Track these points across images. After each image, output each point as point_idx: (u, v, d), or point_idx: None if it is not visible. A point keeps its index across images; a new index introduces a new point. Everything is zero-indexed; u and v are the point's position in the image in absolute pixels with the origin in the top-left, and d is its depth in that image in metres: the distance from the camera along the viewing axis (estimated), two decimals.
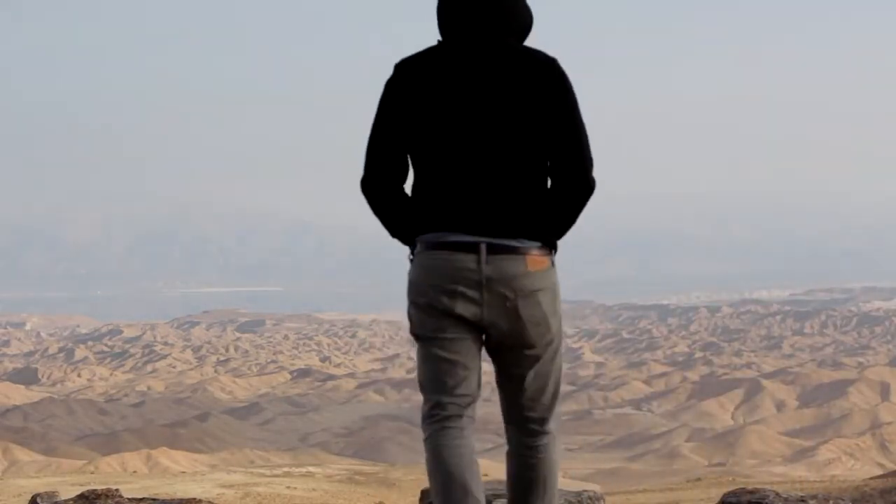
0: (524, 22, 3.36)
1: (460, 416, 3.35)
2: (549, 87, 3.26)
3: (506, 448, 3.55)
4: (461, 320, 3.29)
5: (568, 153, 3.28)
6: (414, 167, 3.36)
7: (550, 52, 3.39)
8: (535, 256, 3.31)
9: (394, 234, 3.46)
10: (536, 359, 3.38)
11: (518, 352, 3.36)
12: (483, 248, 3.25)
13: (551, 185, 3.35)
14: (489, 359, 3.52)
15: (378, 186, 3.36)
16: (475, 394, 3.39)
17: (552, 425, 3.51)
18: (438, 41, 3.36)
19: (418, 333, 3.37)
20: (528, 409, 3.44)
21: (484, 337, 3.37)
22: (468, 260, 3.25)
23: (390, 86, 3.32)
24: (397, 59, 3.35)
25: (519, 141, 3.25)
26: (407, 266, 3.41)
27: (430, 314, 3.31)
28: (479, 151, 3.25)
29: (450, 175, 3.27)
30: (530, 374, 3.39)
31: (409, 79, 3.29)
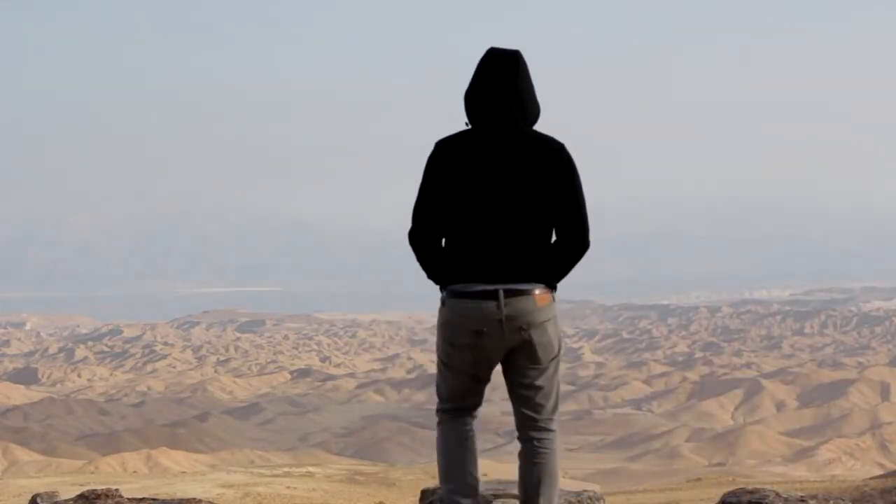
0: (535, 113, 4.44)
1: (469, 415, 4.50)
2: (557, 169, 4.31)
3: (511, 447, 4.36)
4: (483, 351, 4.34)
5: (571, 222, 4.32)
6: (447, 227, 4.35)
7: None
8: (540, 295, 4.34)
9: (431, 277, 4.45)
10: (543, 371, 4.42)
11: (530, 368, 4.40)
12: (501, 293, 4.26)
13: (555, 242, 4.38)
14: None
15: (423, 240, 4.39)
16: (481, 403, 4.52)
17: (555, 424, 4.53)
18: (466, 124, 4.41)
19: (446, 362, 4.42)
20: (536, 412, 4.47)
21: (501, 360, 4.41)
22: (491, 305, 4.26)
23: (432, 160, 4.35)
24: (437, 137, 4.40)
25: (530, 210, 4.28)
26: (438, 305, 4.41)
27: (461, 350, 4.35)
28: (498, 218, 4.26)
29: (475, 236, 4.27)
30: (539, 385, 4.43)
31: (446, 156, 4.32)
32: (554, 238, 4.40)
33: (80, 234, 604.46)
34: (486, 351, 4.33)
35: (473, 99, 4.37)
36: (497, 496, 6.63)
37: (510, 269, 4.27)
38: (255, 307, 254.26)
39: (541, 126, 4.51)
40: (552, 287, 4.41)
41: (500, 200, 4.26)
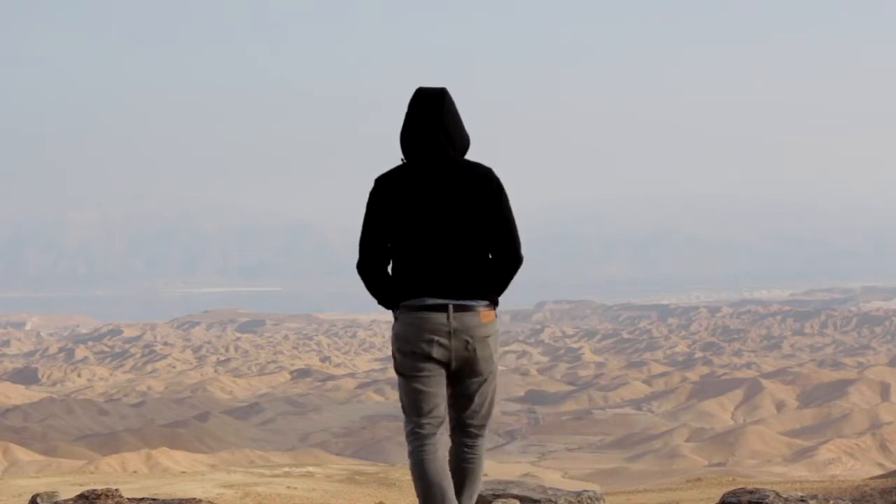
0: (464, 143, 4.87)
1: (434, 434, 4.84)
2: (487, 192, 4.77)
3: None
4: (434, 361, 4.78)
5: (503, 240, 4.81)
6: (394, 253, 4.84)
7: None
8: (484, 311, 4.81)
9: (380, 302, 4.91)
10: (482, 383, 4.89)
11: (471, 379, 4.87)
12: (451, 307, 4.75)
13: (492, 261, 4.86)
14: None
15: (370, 269, 4.85)
16: (443, 416, 4.88)
17: (485, 430, 5.01)
18: (402, 160, 4.88)
19: (402, 371, 4.83)
20: (471, 419, 4.94)
21: (447, 370, 4.85)
22: (441, 317, 4.75)
23: (373, 196, 4.83)
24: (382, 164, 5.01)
25: (466, 231, 4.76)
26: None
27: (413, 358, 4.78)
28: (439, 240, 4.75)
29: (422, 258, 4.76)
30: (477, 394, 4.90)
31: (385, 190, 4.79)
32: (491, 255, 4.88)
33: (80, 234, 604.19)
34: (435, 359, 4.79)
35: (407, 136, 4.85)
36: (497, 496, 6.62)
37: (456, 286, 4.76)
38: (255, 307, 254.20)
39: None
40: (494, 303, 4.87)
41: (438, 224, 4.75)
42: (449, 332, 4.75)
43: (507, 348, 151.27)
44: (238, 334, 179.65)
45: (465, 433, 4.96)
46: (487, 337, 4.81)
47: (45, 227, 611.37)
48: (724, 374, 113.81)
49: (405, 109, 4.94)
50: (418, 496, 4.80)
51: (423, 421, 4.83)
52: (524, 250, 4.91)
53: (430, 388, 4.81)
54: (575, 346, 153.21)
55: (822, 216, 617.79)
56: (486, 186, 4.77)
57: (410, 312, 4.78)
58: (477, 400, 4.91)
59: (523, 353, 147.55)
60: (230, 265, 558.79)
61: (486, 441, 5.03)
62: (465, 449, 4.96)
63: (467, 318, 4.76)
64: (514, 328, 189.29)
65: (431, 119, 4.81)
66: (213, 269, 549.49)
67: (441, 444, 4.88)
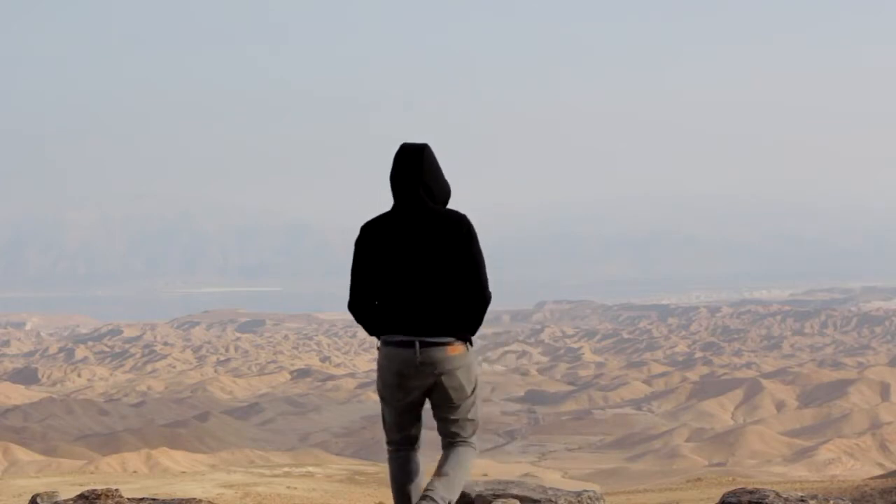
0: (444, 193, 5.47)
1: (408, 449, 5.57)
2: (458, 237, 5.32)
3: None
4: (409, 390, 5.42)
5: (470, 281, 5.33)
6: (377, 292, 5.44)
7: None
8: (452, 346, 5.35)
9: (370, 332, 5.54)
10: (457, 409, 5.48)
11: (446, 406, 5.47)
12: (417, 343, 5.33)
13: (463, 299, 5.36)
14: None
15: (358, 307, 5.51)
16: (417, 435, 5.58)
17: (473, 439, 5.58)
18: (392, 206, 5.47)
19: (383, 398, 5.52)
20: (452, 437, 5.54)
21: (425, 396, 5.49)
22: (409, 352, 5.34)
23: (359, 241, 5.46)
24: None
25: (440, 274, 5.32)
26: (377, 343, 5.55)
27: (390, 387, 5.45)
28: (413, 282, 5.33)
29: (397, 298, 5.37)
30: (454, 419, 5.50)
31: (370, 236, 5.43)
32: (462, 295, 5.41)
33: (80, 234, 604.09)
34: (408, 389, 5.41)
35: (392, 186, 5.47)
36: (497, 496, 6.63)
37: (426, 324, 5.32)
38: (255, 307, 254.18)
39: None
40: (465, 339, 5.40)
41: (411, 267, 5.33)
42: (417, 366, 5.34)
43: (507, 348, 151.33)
44: (238, 334, 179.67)
45: (451, 444, 5.57)
46: (456, 369, 5.37)
47: (45, 227, 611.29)
48: (724, 374, 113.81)
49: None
50: (393, 497, 5.57)
51: (397, 438, 5.57)
52: (491, 288, 5.47)
53: (403, 413, 5.50)
54: (575, 346, 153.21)
55: (822, 216, 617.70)
56: (457, 231, 5.33)
57: (386, 347, 5.42)
58: (456, 423, 5.51)
59: (523, 353, 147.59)
60: (230, 265, 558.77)
61: (475, 448, 5.60)
62: (452, 445, 5.55)
63: (433, 352, 5.33)
64: (514, 328, 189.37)
65: (411, 174, 5.41)
66: (213, 269, 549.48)
67: (416, 454, 5.59)
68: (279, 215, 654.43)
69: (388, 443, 5.60)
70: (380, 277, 5.40)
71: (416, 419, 5.55)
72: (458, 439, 5.54)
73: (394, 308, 5.38)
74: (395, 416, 5.51)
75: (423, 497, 5.34)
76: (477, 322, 5.40)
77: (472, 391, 5.48)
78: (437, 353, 5.33)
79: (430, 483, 5.42)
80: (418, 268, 5.33)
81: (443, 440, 5.58)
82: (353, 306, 5.53)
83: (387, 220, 5.45)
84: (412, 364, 5.34)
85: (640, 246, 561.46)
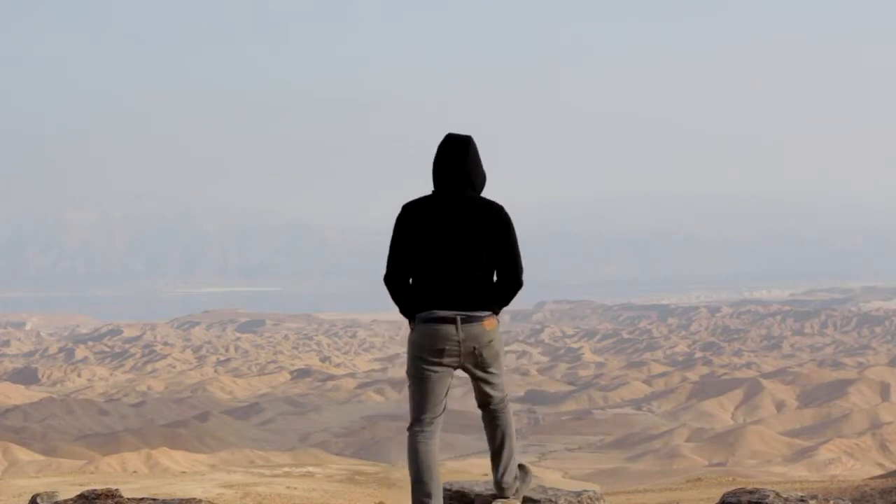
0: (482, 182, 5.83)
1: (431, 426, 5.76)
2: (497, 226, 5.68)
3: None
4: (443, 365, 5.70)
5: (507, 267, 5.71)
6: (414, 270, 5.73)
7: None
8: (488, 321, 5.71)
9: (402, 310, 5.79)
10: (493, 374, 5.84)
11: (483, 372, 5.82)
12: (458, 319, 5.65)
13: (497, 281, 5.76)
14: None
15: (395, 281, 5.75)
16: (442, 412, 5.81)
17: (507, 399, 6.01)
18: (433, 191, 5.78)
19: (413, 374, 5.75)
20: (489, 398, 5.92)
21: (461, 370, 5.82)
22: (450, 327, 5.65)
23: (399, 219, 5.74)
24: (404, 200, 5.81)
25: (477, 256, 5.66)
26: (408, 332, 5.86)
27: (424, 363, 5.70)
28: (452, 262, 5.65)
29: (436, 276, 5.67)
30: (490, 382, 5.86)
31: (411, 216, 5.70)
32: (496, 277, 5.77)
33: (80, 234, 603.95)
34: (444, 366, 5.70)
35: (435, 172, 5.77)
36: (497, 496, 6.65)
37: (464, 300, 5.66)
38: (255, 307, 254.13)
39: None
40: (496, 313, 5.77)
41: (451, 248, 5.64)
42: (458, 342, 5.65)
43: (507, 348, 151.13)
44: (238, 334, 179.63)
45: (488, 409, 5.96)
46: (492, 341, 5.73)
47: (45, 227, 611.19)
48: (724, 374, 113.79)
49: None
50: (410, 476, 5.73)
51: (424, 416, 5.74)
52: (525, 274, 5.80)
53: (434, 389, 5.72)
54: (575, 346, 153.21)
55: (822, 216, 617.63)
56: (497, 221, 5.68)
57: (425, 324, 5.68)
58: (492, 386, 5.87)
59: (523, 353, 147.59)
60: (230, 265, 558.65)
61: (509, 407, 6.03)
62: (493, 418, 5.96)
63: (472, 327, 5.66)
64: (514, 328, 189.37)
65: (456, 163, 5.74)
66: (213, 269, 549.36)
67: (436, 435, 5.78)
68: (279, 215, 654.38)
69: (414, 422, 5.77)
70: (418, 255, 5.68)
71: (445, 397, 5.81)
72: (495, 403, 5.92)
73: (432, 285, 5.68)
74: (426, 394, 5.73)
75: (499, 494, 6.05)
76: (506, 301, 5.77)
77: (503, 355, 5.92)
78: (475, 327, 5.65)
79: (496, 477, 6.03)
80: (457, 249, 5.64)
81: (480, 407, 5.99)
82: (389, 279, 5.77)
83: (428, 202, 5.74)
84: (453, 339, 5.65)
85: (640, 246, 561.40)
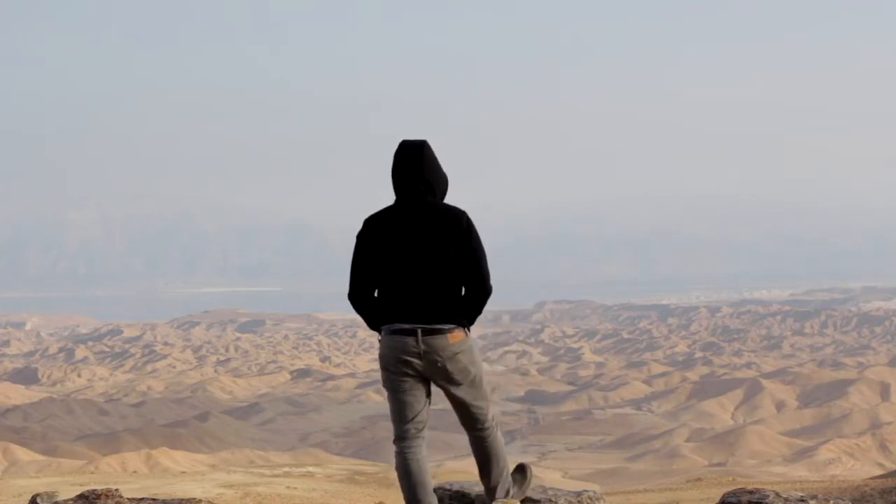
0: (443, 188, 5.66)
1: (417, 437, 5.64)
2: (458, 232, 5.52)
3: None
4: (411, 376, 5.59)
5: (472, 275, 5.56)
6: (378, 283, 5.63)
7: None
8: (452, 333, 5.55)
9: (369, 325, 5.72)
10: (464, 389, 5.66)
11: (452, 388, 5.64)
12: (419, 331, 5.53)
13: (464, 291, 5.61)
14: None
15: (358, 298, 5.69)
16: (425, 421, 5.67)
17: (490, 421, 5.79)
18: (394, 201, 5.65)
19: (386, 386, 5.65)
20: (471, 416, 5.73)
21: (433, 383, 5.67)
22: (410, 340, 5.53)
23: (360, 235, 5.63)
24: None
25: (439, 266, 5.52)
26: (377, 344, 5.71)
27: (394, 374, 5.60)
28: (413, 273, 5.52)
29: (398, 289, 5.55)
30: (464, 400, 5.68)
31: (372, 229, 5.60)
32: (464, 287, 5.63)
33: (80, 234, 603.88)
34: (412, 376, 5.59)
35: (394, 181, 5.66)
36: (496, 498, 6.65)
37: (426, 313, 5.52)
38: (255, 307, 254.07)
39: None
40: (465, 326, 5.60)
41: (413, 259, 5.52)
42: (419, 353, 5.53)
43: (507, 348, 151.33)
44: (238, 334, 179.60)
45: (471, 433, 5.79)
46: (457, 353, 5.56)
47: (45, 227, 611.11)
48: (724, 374, 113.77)
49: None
50: (403, 492, 5.64)
51: (406, 427, 5.64)
52: (492, 279, 5.68)
53: (409, 399, 5.61)
54: (575, 346, 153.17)
55: (822, 216, 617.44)
56: (457, 226, 5.53)
57: (388, 336, 5.59)
58: (468, 405, 5.70)
59: (523, 353, 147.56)
60: (230, 265, 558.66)
61: (496, 429, 5.82)
62: (478, 439, 5.79)
63: (435, 339, 5.52)
64: (514, 328, 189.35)
65: (413, 170, 5.59)
66: (213, 269, 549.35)
67: (423, 446, 5.69)
68: (279, 215, 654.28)
69: (396, 437, 5.66)
70: (381, 269, 5.59)
71: (424, 405, 5.66)
72: (478, 427, 5.74)
73: (395, 298, 5.57)
74: (402, 404, 5.62)
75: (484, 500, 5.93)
76: (476, 312, 5.63)
77: (478, 371, 5.68)
78: (438, 339, 5.52)
79: (485, 488, 5.88)
80: (419, 259, 5.52)
81: (463, 426, 5.81)
82: (352, 296, 5.69)
83: (389, 213, 5.62)
84: (414, 352, 5.52)
85: (640, 246, 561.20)
